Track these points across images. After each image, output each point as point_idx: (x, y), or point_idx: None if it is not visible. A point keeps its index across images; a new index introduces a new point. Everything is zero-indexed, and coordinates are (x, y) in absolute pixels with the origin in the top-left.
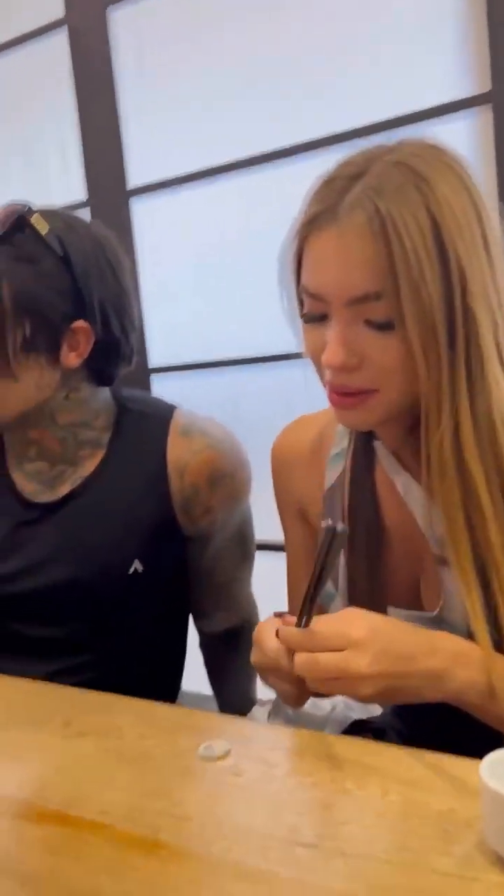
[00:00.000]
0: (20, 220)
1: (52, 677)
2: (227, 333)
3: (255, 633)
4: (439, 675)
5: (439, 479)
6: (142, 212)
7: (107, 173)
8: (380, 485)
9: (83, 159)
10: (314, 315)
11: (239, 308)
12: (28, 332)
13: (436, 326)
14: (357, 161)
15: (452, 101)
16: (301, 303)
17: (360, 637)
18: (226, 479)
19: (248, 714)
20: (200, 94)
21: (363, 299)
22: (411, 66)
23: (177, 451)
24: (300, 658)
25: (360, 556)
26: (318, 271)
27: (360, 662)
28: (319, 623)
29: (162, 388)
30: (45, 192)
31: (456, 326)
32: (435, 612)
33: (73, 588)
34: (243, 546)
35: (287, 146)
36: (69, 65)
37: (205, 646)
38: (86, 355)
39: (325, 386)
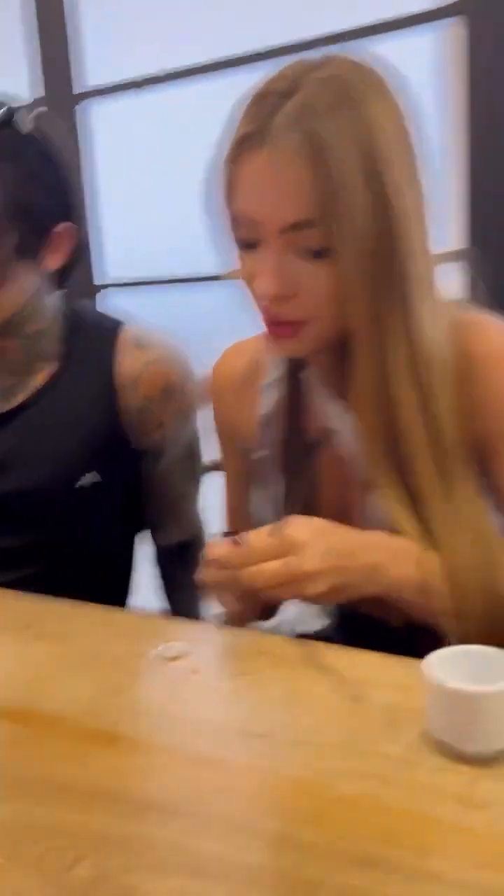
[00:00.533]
0: (4, 116)
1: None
2: (179, 251)
3: (205, 553)
4: (377, 568)
5: (366, 408)
6: (95, 116)
7: (55, 72)
8: (311, 413)
9: (30, 54)
10: (246, 241)
11: (188, 225)
12: (20, 235)
13: (369, 255)
14: (287, 75)
15: (421, 11)
16: (233, 226)
17: (306, 539)
18: (177, 393)
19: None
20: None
21: (296, 227)
22: None
23: (129, 362)
24: (251, 569)
25: (296, 478)
26: (248, 197)
27: (308, 562)
28: (262, 533)
29: (107, 305)
30: None
31: (389, 255)
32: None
33: (22, 497)
34: (192, 461)
35: (253, 51)
36: None
37: (159, 559)
38: (67, 258)
39: (259, 312)
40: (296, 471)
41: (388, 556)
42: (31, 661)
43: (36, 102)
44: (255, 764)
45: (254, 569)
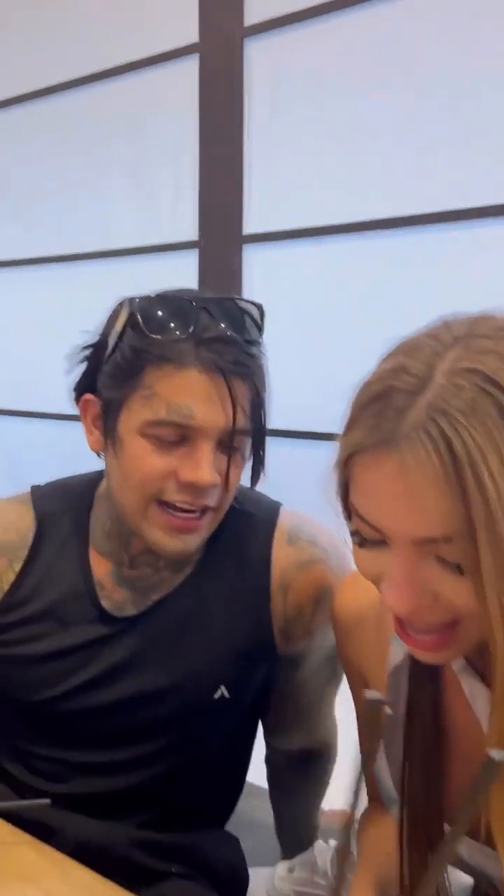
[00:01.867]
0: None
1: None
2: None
3: None
4: None
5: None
6: (255, 261)
7: (222, 214)
8: (447, 682)
9: (199, 195)
10: (371, 540)
11: (340, 379)
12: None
13: None
14: (414, 367)
15: None
16: (348, 515)
17: None
18: (330, 598)
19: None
20: (335, 141)
21: (432, 541)
22: None
23: (283, 563)
24: None
25: (419, 758)
26: (374, 505)
27: None
28: None
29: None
30: (155, 226)
31: None
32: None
33: (154, 702)
34: (334, 665)
35: (428, 211)
36: (196, 93)
37: (272, 762)
38: None
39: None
40: (416, 744)
41: None
42: None
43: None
44: None
45: None
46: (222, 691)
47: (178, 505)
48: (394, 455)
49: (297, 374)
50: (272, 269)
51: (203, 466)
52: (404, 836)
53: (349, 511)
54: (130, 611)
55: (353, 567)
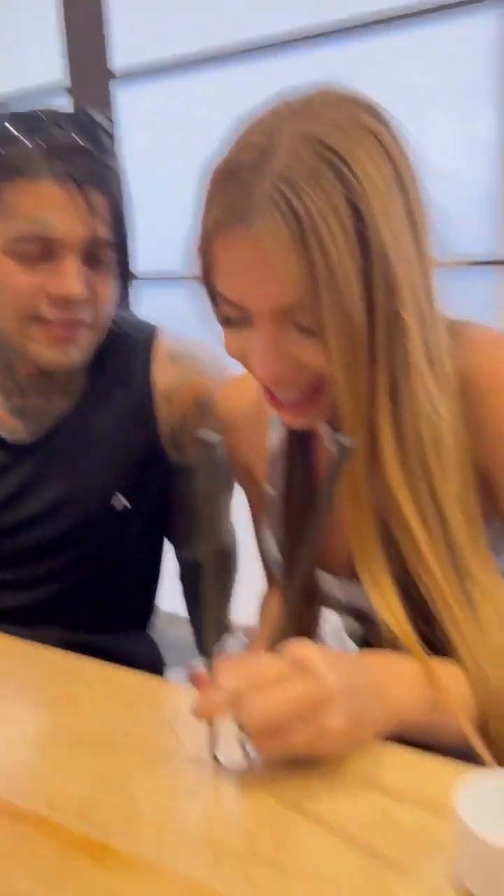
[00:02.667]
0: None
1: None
2: None
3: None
4: (380, 691)
5: (351, 497)
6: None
7: (88, 53)
8: (319, 450)
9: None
10: (235, 320)
11: None
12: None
13: (357, 336)
14: (258, 140)
15: None
16: (213, 300)
17: (317, 658)
18: (212, 408)
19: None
20: None
21: (288, 309)
22: None
23: (164, 377)
24: (264, 694)
25: (296, 526)
26: (235, 281)
27: (329, 682)
28: (264, 655)
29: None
30: (20, 71)
31: (377, 334)
32: None
33: (58, 515)
34: (227, 473)
35: (295, 34)
36: None
37: (184, 575)
38: None
39: (258, 384)
40: (296, 511)
41: (386, 677)
42: (22, 735)
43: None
44: None
45: (268, 693)
46: (121, 501)
47: (53, 320)
48: (248, 229)
49: (173, 218)
50: (143, 106)
51: (70, 278)
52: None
53: (214, 297)
54: (24, 438)
55: (231, 377)
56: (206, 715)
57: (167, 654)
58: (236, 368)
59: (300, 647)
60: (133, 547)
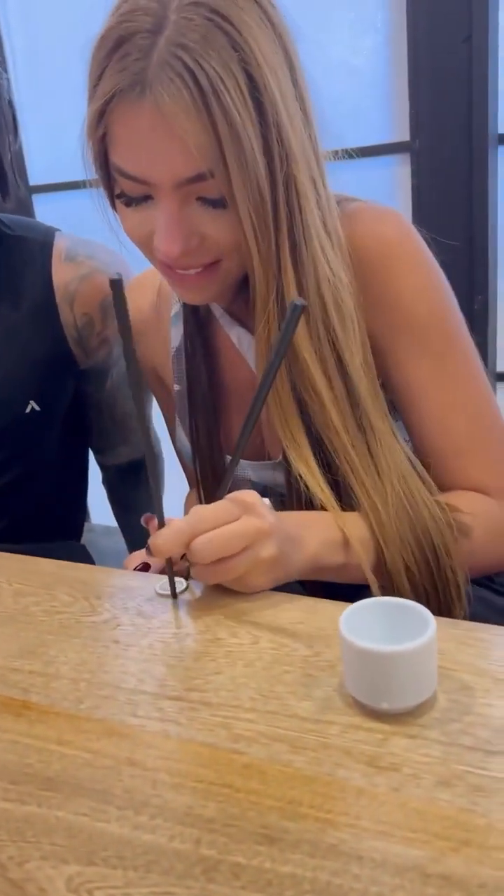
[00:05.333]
0: None
1: None
2: None
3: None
4: (298, 540)
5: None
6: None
7: None
8: (218, 339)
9: None
10: (136, 198)
11: None
12: None
13: (264, 202)
14: (150, 9)
15: None
16: (109, 178)
17: (254, 499)
18: None
19: None
20: None
21: (194, 179)
22: None
23: (63, 278)
24: (208, 535)
25: (201, 413)
26: (135, 153)
27: (266, 517)
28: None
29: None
30: None
31: (278, 200)
32: (279, 458)
33: None
34: (140, 376)
35: None
36: None
37: (108, 481)
38: None
39: (156, 265)
40: (199, 402)
41: (301, 526)
42: None
43: None
44: (168, 731)
45: (212, 533)
46: (32, 405)
47: None
48: (147, 98)
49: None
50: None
51: None
52: (199, 479)
53: (111, 177)
54: None
55: (134, 276)
56: (163, 552)
57: (100, 564)
58: (137, 266)
59: (245, 493)
60: (53, 451)
